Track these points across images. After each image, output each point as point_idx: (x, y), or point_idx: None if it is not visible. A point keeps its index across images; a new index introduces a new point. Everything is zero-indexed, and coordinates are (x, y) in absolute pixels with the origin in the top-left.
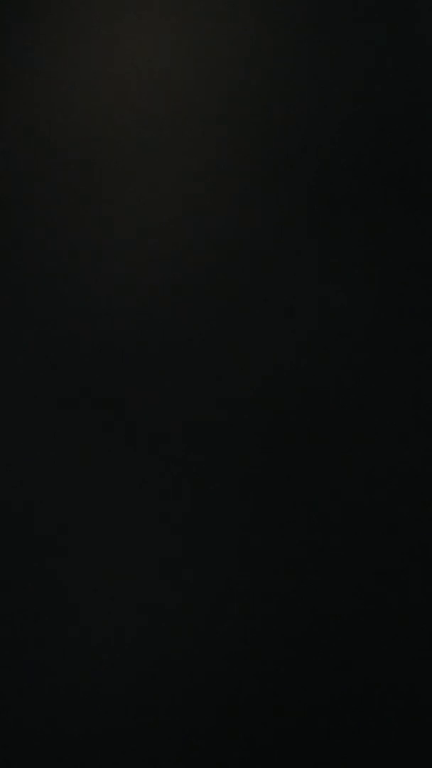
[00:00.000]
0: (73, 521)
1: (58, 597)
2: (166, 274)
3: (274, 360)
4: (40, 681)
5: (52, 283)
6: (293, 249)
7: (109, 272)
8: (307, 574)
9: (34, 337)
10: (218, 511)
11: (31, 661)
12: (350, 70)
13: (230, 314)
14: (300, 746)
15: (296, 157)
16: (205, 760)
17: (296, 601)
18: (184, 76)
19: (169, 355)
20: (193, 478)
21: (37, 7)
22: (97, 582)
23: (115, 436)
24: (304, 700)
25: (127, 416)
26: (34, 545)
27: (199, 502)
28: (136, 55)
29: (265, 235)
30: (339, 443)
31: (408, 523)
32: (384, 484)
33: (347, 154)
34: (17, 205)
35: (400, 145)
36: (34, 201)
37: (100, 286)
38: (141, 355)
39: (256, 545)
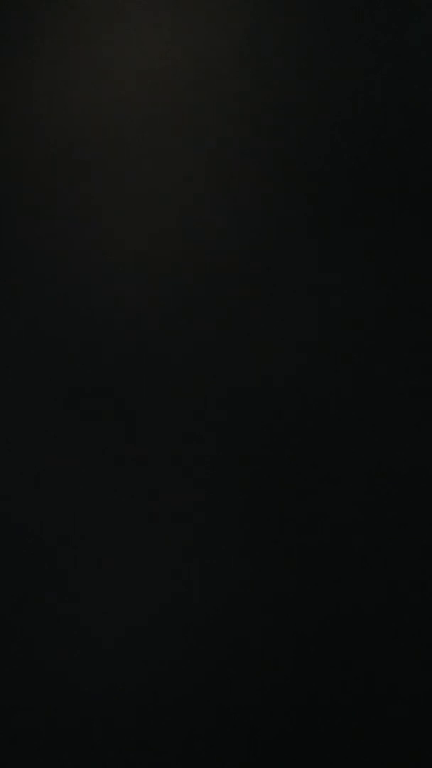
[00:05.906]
0: (74, 521)
1: (58, 596)
2: (165, 275)
3: (274, 360)
4: (40, 681)
5: (52, 284)
6: (293, 249)
7: (108, 273)
8: (308, 574)
9: (34, 338)
10: (218, 511)
11: (32, 661)
12: (350, 70)
13: (230, 314)
14: (300, 745)
15: (296, 156)
16: (205, 759)
17: (297, 600)
18: (184, 76)
19: (170, 356)
20: (193, 478)
21: (37, 7)
22: (98, 581)
23: (115, 438)
24: (305, 698)
25: (127, 417)
26: (35, 544)
27: (200, 502)
28: (136, 55)
29: (265, 235)
30: (339, 443)
31: (408, 522)
32: (384, 484)
33: (347, 153)
34: (17, 206)
35: (400, 144)
36: (34, 201)
37: (100, 286)
38: (141, 356)
39: (256, 544)
